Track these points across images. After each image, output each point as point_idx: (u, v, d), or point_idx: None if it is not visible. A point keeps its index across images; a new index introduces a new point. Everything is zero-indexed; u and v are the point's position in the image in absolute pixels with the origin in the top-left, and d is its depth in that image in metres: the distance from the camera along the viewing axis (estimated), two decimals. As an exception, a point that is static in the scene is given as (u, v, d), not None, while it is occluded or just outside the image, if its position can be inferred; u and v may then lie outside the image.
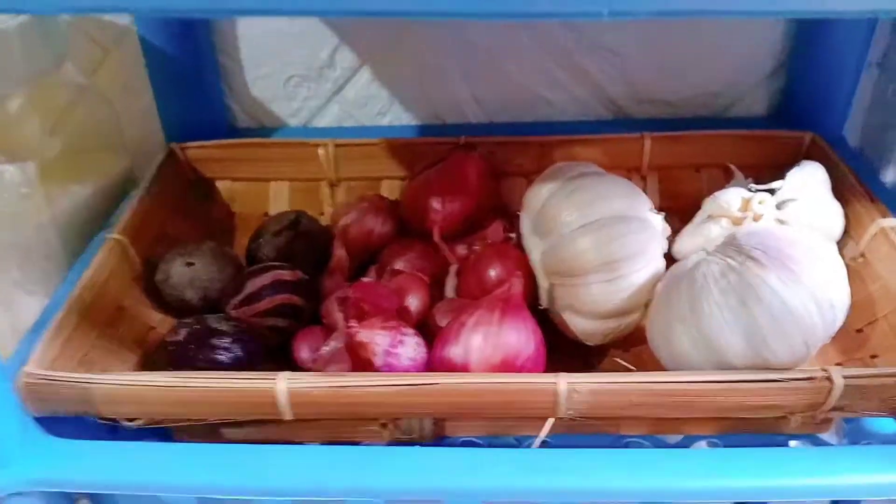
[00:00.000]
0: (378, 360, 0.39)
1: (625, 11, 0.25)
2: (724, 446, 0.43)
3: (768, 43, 0.62)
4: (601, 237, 0.42)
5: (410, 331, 0.42)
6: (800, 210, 0.46)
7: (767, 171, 0.53)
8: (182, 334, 0.44)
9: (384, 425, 0.43)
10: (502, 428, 0.44)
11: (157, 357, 0.46)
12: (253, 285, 0.47)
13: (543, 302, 0.46)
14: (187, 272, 0.48)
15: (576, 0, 0.25)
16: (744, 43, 0.62)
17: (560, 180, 0.46)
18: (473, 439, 0.44)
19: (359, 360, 0.39)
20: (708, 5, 0.25)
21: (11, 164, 0.52)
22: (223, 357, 0.43)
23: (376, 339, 0.39)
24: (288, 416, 0.38)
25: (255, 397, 0.38)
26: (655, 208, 0.46)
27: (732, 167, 0.53)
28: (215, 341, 0.43)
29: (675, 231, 0.49)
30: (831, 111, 0.61)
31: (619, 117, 0.65)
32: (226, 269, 0.49)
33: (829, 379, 0.36)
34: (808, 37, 0.60)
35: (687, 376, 0.37)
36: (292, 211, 0.55)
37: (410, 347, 0.40)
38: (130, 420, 0.40)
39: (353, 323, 0.39)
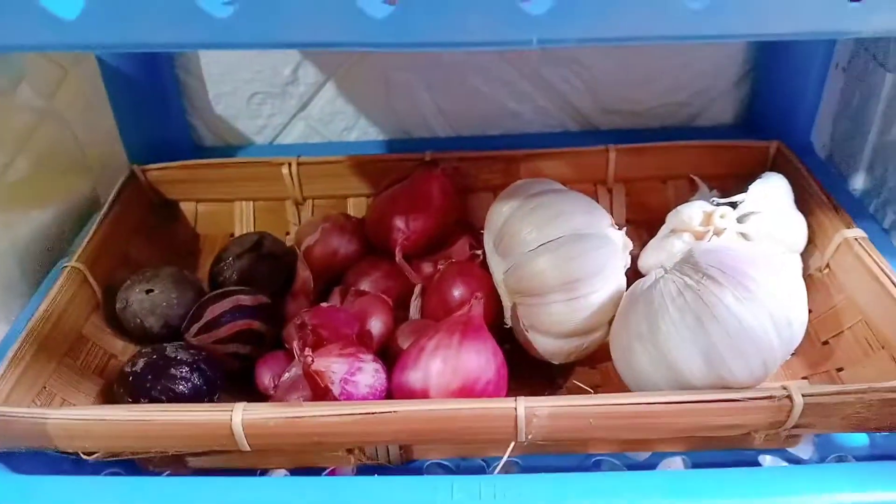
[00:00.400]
0: (335, 389, 0.39)
1: (553, 39, 0.24)
2: (693, 463, 0.43)
3: (734, 51, 0.62)
4: (560, 256, 0.42)
5: (369, 357, 0.41)
6: (762, 223, 0.46)
7: (734, 180, 0.53)
8: (140, 364, 0.43)
9: (350, 451, 0.42)
10: (470, 450, 0.44)
11: (116, 387, 0.45)
12: (212, 312, 0.46)
13: (508, 321, 0.46)
14: (146, 299, 0.48)
15: (506, 30, 0.24)
16: (709, 52, 0.62)
17: (520, 198, 0.45)
18: (442, 462, 0.44)
19: (317, 389, 0.39)
20: (637, 31, 0.24)
21: (-32, 191, 0.51)
22: (182, 387, 0.42)
23: (333, 367, 0.39)
24: (245, 447, 0.37)
25: (210, 430, 0.37)
26: (623, 221, 0.45)
27: (696, 179, 0.52)
28: (173, 371, 0.42)
29: (643, 244, 0.49)
30: (798, 118, 0.61)
31: (585, 128, 0.65)
32: (186, 295, 0.48)
33: (789, 398, 0.36)
34: (773, 44, 0.60)
35: (645, 398, 0.37)
36: (255, 232, 0.54)
37: (369, 374, 0.40)
38: (89, 454, 0.40)
39: (308, 351, 0.38)
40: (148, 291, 0.48)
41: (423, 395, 0.39)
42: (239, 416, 0.37)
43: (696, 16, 0.24)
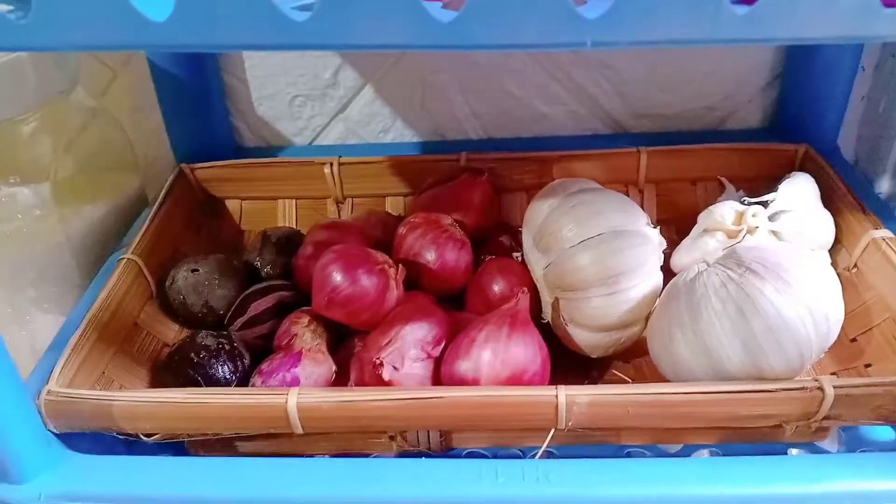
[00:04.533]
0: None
1: (606, 42, 0.26)
2: (724, 455, 0.45)
3: (762, 55, 0.63)
4: (601, 252, 0.43)
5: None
6: (792, 221, 0.48)
7: (763, 182, 0.54)
8: (181, 354, 0.46)
9: (392, 437, 0.44)
10: (508, 439, 0.45)
11: (163, 373, 0.48)
12: (256, 308, 0.48)
13: (546, 315, 0.47)
14: (191, 277, 0.50)
15: (562, 33, 0.26)
16: (738, 57, 0.63)
17: (559, 196, 0.47)
18: (480, 450, 0.46)
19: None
20: (683, 34, 0.26)
21: (26, 186, 0.54)
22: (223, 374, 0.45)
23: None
24: (299, 430, 0.39)
25: (266, 412, 0.39)
26: (653, 221, 0.47)
27: (724, 180, 0.54)
28: (216, 366, 0.45)
29: (672, 242, 0.51)
30: (825, 122, 0.62)
31: (615, 131, 0.67)
32: (228, 278, 0.51)
33: (820, 389, 0.37)
34: (800, 50, 0.61)
35: (681, 388, 0.38)
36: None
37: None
38: (148, 435, 0.42)
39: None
40: (193, 270, 0.51)
41: (473, 383, 0.41)
42: (294, 399, 0.39)
43: (739, 21, 0.26)
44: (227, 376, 0.45)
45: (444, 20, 0.26)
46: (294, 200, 0.61)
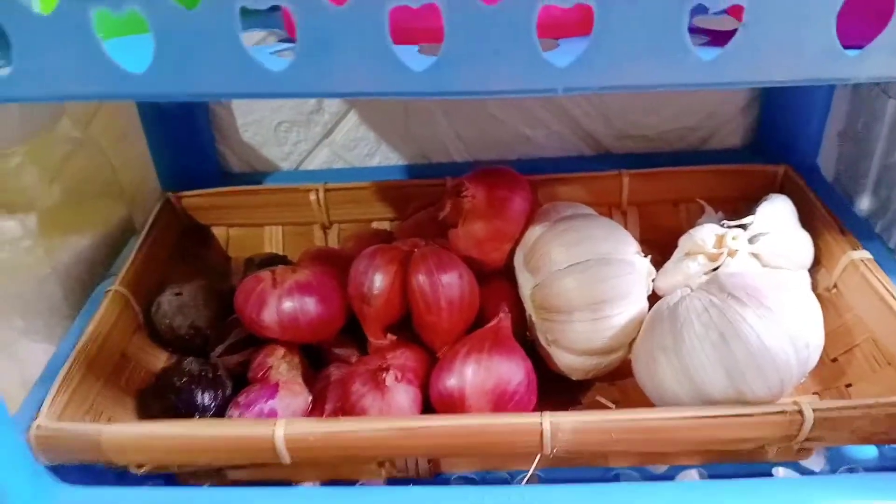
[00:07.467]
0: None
1: (576, 88, 0.27)
2: (709, 475, 0.45)
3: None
4: (587, 278, 0.44)
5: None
6: (771, 243, 0.48)
7: (743, 203, 0.55)
8: (165, 379, 0.47)
9: (381, 464, 0.45)
10: (496, 463, 0.46)
11: (148, 397, 0.48)
12: (237, 335, 0.49)
13: (531, 335, 0.48)
14: (175, 300, 0.51)
15: (533, 80, 0.27)
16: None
17: (552, 219, 0.48)
18: (468, 475, 0.46)
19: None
20: (652, 79, 0.27)
21: (12, 218, 0.54)
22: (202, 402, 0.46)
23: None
24: (286, 460, 0.40)
25: (254, 444, 0.39)
26: (636, 241, 0.47)
27: (703, 203, 0.55)
28: (196, 392, 0.46)
29: (657, 263, 0.51)
30: (804, 141, 0.63)
31: (598, 152, 0.68)
32: (213, 298, 0.52)
33: (799, 412, 0.38)
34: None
35: (663, 413, 0.39)
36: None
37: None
38: (138, 466, 0.42)
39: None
40: (177, 294, 0.51)
41: (460, 396, 0.42)
42: (281, 430, 0.39)
43: (706, 66, 0.27)
44: (206, 404, 0.45)
45: (417, 69, 0.27)
46: (280, 227, 0.61)
